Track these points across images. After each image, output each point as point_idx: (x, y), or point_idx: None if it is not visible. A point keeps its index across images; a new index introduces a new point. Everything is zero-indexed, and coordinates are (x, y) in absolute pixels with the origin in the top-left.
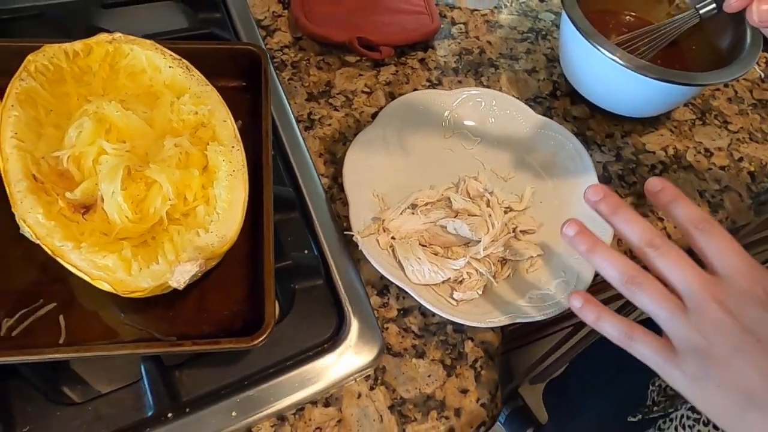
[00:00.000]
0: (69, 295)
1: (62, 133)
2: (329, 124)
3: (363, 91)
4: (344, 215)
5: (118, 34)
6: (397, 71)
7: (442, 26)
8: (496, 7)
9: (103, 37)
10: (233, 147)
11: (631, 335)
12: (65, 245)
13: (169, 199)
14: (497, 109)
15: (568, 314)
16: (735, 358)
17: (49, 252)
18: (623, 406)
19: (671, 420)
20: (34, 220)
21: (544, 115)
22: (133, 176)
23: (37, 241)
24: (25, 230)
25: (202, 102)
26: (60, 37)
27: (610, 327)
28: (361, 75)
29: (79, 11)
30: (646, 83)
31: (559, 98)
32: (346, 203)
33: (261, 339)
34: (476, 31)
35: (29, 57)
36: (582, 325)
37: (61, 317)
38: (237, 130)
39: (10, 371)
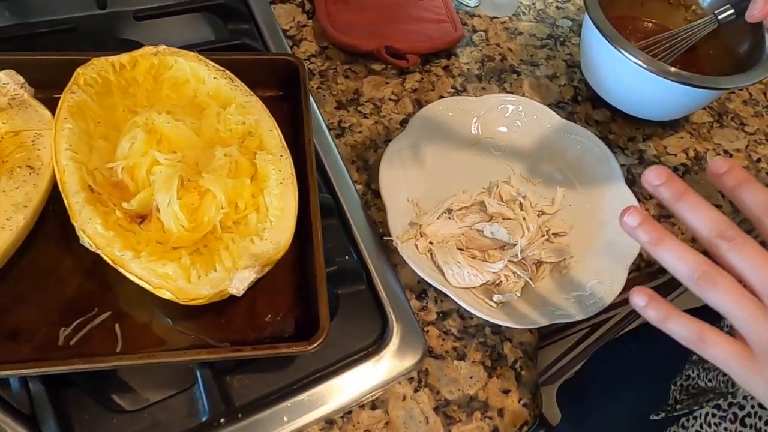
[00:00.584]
0: (122, 304)
1: (111, 144)
2: (359, 132)
3: (390, 99)
4: (379, 221)
5: (162, 47)
6: (422, 79)
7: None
8: (514, 15)
9: (147, 49)
10: (281, 155)
11: (703, 337)
12: (125, 254)
13: (222, 208)
14: (524, 115)
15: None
16: None
17: (110, 261)
18: (643, 405)
19: (695, 418)
20: (94, 231)
21: (567, 119)
22: (186, 186)
23: (97, 251)
24: (85, 240)
25: (248, 112)
26: (94, 49)
27: (679, 327)
28: (387, 83)
29: (112, 24)
30: (670, 87)
31: (580, 103)
32: (380, 209)
33: (318, 343)
34: (497, 39)
35: (78, 70)
36: (598, 326)
37: (116, 326)
38: (283, 139)
39: (66, 380)
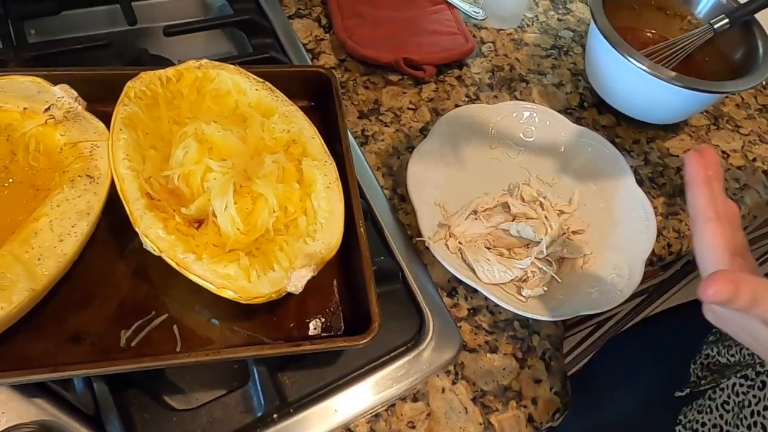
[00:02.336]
0: (177, 306)
1: (160, 153)
2: (382, 140)
3: (409, 108)
4: (407, 223)
5: (204, 60)
6: (437, 88)
7: None
8: (519, 27)
9: (191, 63)
10: (325, 161)
11: None
12: (188, 257)
13: (274, 212)
14: (537, 120)
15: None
16: None
17: (173, 264)
18: (661, 388)
19: (722, 390)
20: (156, 235)
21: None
22: (239, 191)
23: (161, 255)
24: (148, 245)
25: (290, 121)
26: (125, 65)
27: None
28: (404, 93)
29: (142, 40)
30: (675, 91)
31: (586, 109)
32: (407, 212)
33: (371, 337)
34: (504, 49)
35: (129, 84)
36: (603, 323)
37: (174, 327)
38: (325, 146)
39: (127, 381)
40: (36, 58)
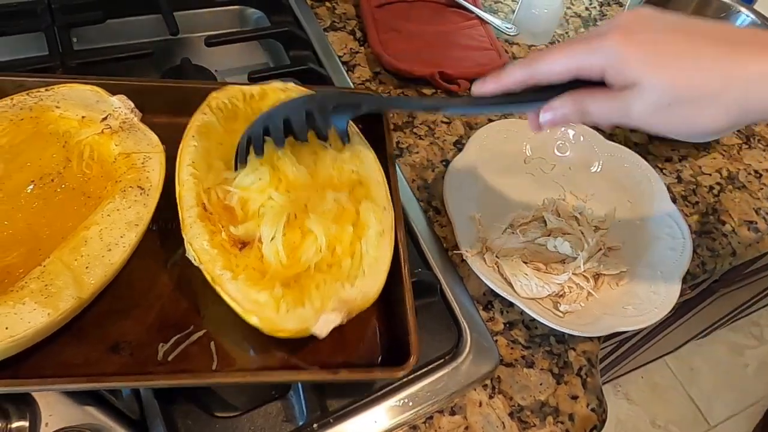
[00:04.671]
0: (215, 323)
1: (228, 166)
2: (417, 152)
3: (443, 122)
4: (442, 236)
5: (291, 84)
6: None
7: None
8: (550, 43)
9: (277, 84)
10: (385, 208)
11: None
12: (224, 274)
13: (321, 251)
14: (570, 136)
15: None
16: None
17: (209, 278)
18: None
19: None
20: (200, 246)
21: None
22: (291, 223)
23: (200, 266)
24: (191, 253)
25: (361, 161)
26: (168, 72)
27: None
28: None
29: (183, 49)
30: None
31: (618, 126)
32: (442, 225)
33: (408, 370)
34: None
35: (212, 94)
36: (628, 338)
37: (212, 344)
38: (389, 193)
39: (171, 388)
40: (81, 65)
